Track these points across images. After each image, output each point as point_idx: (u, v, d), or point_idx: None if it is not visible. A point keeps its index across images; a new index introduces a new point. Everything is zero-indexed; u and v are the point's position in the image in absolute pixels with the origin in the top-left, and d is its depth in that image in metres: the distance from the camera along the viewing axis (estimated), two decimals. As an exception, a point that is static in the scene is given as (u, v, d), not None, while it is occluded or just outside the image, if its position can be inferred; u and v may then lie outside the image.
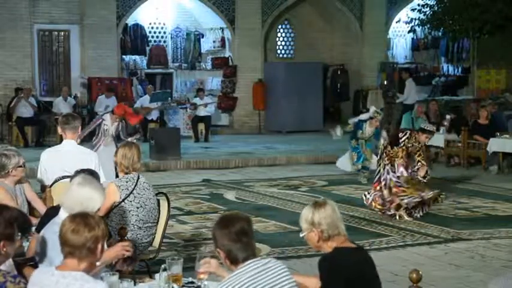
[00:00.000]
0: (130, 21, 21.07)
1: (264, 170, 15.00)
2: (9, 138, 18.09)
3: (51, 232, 4.26)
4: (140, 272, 6.05)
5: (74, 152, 7.13)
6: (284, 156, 16.15)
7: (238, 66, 21.68)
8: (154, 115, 19.17)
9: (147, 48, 21.92)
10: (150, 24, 22.06)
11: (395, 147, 9.95)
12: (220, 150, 17.10)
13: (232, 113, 21.89)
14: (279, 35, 23.78)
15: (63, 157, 7.06)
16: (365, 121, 12.75)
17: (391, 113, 19.90)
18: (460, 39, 22.52)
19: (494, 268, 7.49)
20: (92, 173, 5.50)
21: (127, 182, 6.21)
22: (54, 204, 6.02)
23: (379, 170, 10.10)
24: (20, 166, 6.18)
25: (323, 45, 23.79)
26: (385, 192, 9.87)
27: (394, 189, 9.83)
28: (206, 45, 22.67)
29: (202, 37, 22.61)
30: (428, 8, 19.56)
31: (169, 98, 20.30)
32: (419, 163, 9.89)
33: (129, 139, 10.33)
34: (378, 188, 10.01)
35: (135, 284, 4.48)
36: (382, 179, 9.97)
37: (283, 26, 23.77)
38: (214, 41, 22.47)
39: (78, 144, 7.46)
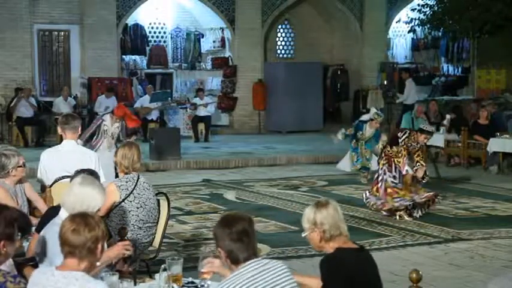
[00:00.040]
0: (130, 21, 21.07)
1: (264, 170, 15.00)
2: (9, 138, 18.09)
3: (52, 232, 4.25)
4: (140, 272, 6.05)
5: (74, 152, 7.13)
6: (284, 156, 16.15)
7: (238, 66, 21.68)
8: (154, 115, 19.17)
9: (147, 48, 21.93)
10: (150, 24, 22.06)
11: (394, 147, 9.95)
12: (220, 150, 17.10)
13: (232, 113, 21.90)
14: (279, 35, 23.79)
15: (63, 157, 7.06)
16: (365, 122, 12.75)
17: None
18: (460, 39, 22.53)
19: (494, 268, 7.49)
20: (92, 173, 5.50)
21: (127, 182, 6.21)
22: (54, 204, 6.02)
23: (378, 170, 10.16)
24: (20, 166, 6.17)
25: (323, 45, 23.81)
26: (381, 191, 9.91)
27: (388, 190, 9.87)
28: (206, 45, 22.68)
29: (202, 37, 22.61)
30: (428, 8, 19.56)
31: (169, 98, 20.30)
32: (418, 163, 9.90)
33: (127, 140, 10.31)
34: (375, 188, 10.06)
35: (135, 284, 4.48)
36: (379, 179, 10.00)
37: (283, 26, 23.78)
38: (214, 41, 22.47)
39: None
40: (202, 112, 19.30)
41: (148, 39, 21.96)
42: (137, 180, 6.22)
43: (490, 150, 14.34)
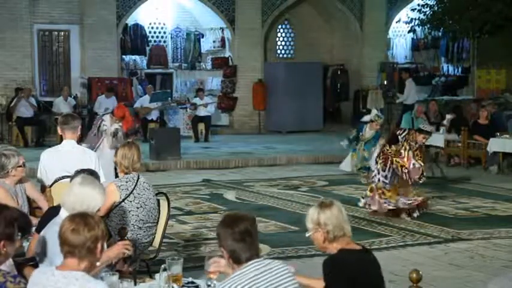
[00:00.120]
0: (130, 21, 21.07)
1: (264, 170, 15.00)
2: (9, 138, 18.09)
3: (52, 232, 4.25)
4: (140, 272, 6.05)
5: (74, 152, 7.12)
6: (284, 156, 16.15)
7: (238, 66, 21.68)
8: (154, 115, 19.17)
9: (147, 48, 21.93)
10: (150, 24, 22.06)
11: (393, 146, 9.97)
12: (220, 150, 17.11)
13: (232, 113, 21.89)
14: (279, 35, 23.80)
15: (63, 157, 7.06)
16: (366, 123, 12.76)
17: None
18: (460, 39, 22.53)
19: (494, 268, 7.49)
20: (92, 173, 5.50)
21: (127, 182, 6.21)
22: (54, 204, 6.02)
23: (374, 170, 10.24)
24: (20, 166, 6.17)
25: (323, 45, 23.81)
26: (375, 191, 9.96)
27: (378, 190, 9.91)
28: (206, 45, 22.68)
29: (202, 37, 22.62)
30: (428, 8, 19.56)
31: (169, 98, 20.30)
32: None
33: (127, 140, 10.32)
34: (369, 188, 10.13)
35: (135, 284, 4.48)
36: (375, 179, 10.05)
37: (283, 26, 23.79)
38: (214, 41, 22.47)
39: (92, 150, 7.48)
40: (202, 112, 19.30)
41: (148, 39, 21.96)
42: (137, 180, 6.22)
43: (490, 150, 14.34)
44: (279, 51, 23.85)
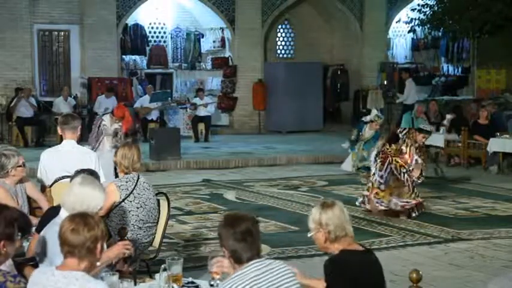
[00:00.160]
0: (130, 21, 21.07)
1: (264, 170, 15.00)
2: (9, 138, 18.09)
3: (52, 232, 4.25)
4: (140, 272, 6.05)
5: (74, 152, 7.12)
6: (284, 156, 16.15)
7: (238, 66, 21.68)
8: (154, 115, 19.17)
9: (147, 48, 21.93)
10: (150, 24, 22.06)
11: (393, 145, 9.98)
12: (220, 150, 17.10)
13: (232, 113, 21.90)
14: (279, 35, 23.80)
15: (63, 157, 7.06)
16: (366, 123, 12.77)
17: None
18: (460, 39, 22.53)
19: (494, 268, 7.49)
20: (92, 173, 5.50)
21: (127, 182, 6.21)
22: (55, 204, 6.02)
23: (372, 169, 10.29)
24: (20, 166, 6.17)
25: (323, 45, 23.81)
26: (371, 191, 10.00)
27: (374, 190, 9.94)
28: (206, 45, 22.68)
29: (202, 37, 22.62)
30: (428, 8, 19.56)
31: (169, 98, 20.30)
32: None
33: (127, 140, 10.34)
34: (367, 187, 10.15)
35: (135, 284, 4.48)
36: (373, 178, 10.09)
37: (283, 26, 23.79)
38: (214, 41, 22.47)
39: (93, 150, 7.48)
40: (202, 112, 19.30)
41: (148, 39, 21.96)
42: (137, 180, 6.22)
43: (490, 150, 14.34)
44: (279, 51, 23.86)
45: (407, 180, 9.83)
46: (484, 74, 23.10)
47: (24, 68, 18.99)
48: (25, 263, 4.59)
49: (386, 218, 9.88)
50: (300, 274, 4.29)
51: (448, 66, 24.72)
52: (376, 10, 23.00)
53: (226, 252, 3.79)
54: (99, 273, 4.06)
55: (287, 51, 23.97)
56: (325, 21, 23.90)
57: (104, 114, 11.71)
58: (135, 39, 21.47)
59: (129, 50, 21.43)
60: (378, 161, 10.05)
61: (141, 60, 21.94)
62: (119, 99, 17.80)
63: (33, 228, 4.92)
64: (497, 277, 3.70)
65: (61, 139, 7.54)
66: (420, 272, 4.19)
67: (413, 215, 9.90)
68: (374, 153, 10.56)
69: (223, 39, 22.17)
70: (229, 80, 21.71)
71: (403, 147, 9.90)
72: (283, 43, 23.93)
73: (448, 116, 15.99)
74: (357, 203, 10.29)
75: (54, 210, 4.97)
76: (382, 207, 9.92)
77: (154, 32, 22.25)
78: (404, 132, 10.02)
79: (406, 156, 9.85)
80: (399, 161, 9.85)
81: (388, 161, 9.89)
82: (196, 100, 19.62)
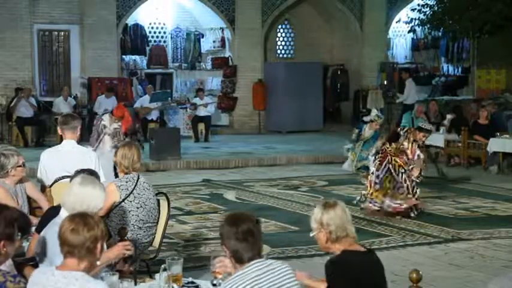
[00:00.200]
0: (130, 21, 21.07)
1: (264, 170, 15.00)
2: (9, 138, 18.10)
3: (52, 232, 4.25)
4: (140, 272, 6.05)
5: (74, 152, 7.12)
6: (284, 156, 16.15)
7: (238, 66, 21.68)
8: (154, 115, 19.16)
9: (147, 48, 21.93)
10: (150, 24, 22.07)
11: (393, 144, 9.98)
12: (220, 150, 17.10)
13: (232, 113, 21.90)
14: (279, 35, 23.80)
15: (63, 157, 7.06)
16: (366, 123, 12.78)
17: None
18: (460, 39, 22.53)
19: (494, 268, 7.49)
20: (92, 173, 5.50)
21: (127, 182, 6.21)
22: (55, 204, 6.02)
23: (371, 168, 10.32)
24: (20, 166, 6.17)
25: (323, 45, 23.81)
26: (368, 190, 10.03)
27: (370, 190, 9.97)
28: (206, 45, 22.68)
29: (202, 37, 22.62)
30: (428, 8, 19.56)
31: (169, 98, 20.30)
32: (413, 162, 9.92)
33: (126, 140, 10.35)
34: (365, 187, 10.23)
35: (135, 284, 4.49)
36: (371, 178, 10.13)
37: (283, 26, 23.79)
38: (214, 41, 22.47)
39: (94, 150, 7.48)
40: (202, 112, 19.31)
41: (148, 39, 21.96)
42: (137, 180, 6.22)
43: (490, 150, 14.34)
44: (279, 51, 23.86)
45: (405, 180, 9.83)
46: (484, 74, 23.11)
47: (24, 68, 18.99)
48: (25, 263, 4.59)
49: (386, 218, 9.88)
50: (308, 276, 4.30)
51: (448, 66, 24.73)
52: (376, 10, 23.00)
53: (227, 251, 3.80)
54: (99, 273, 4.06)
55: (287, 51, 23.97)
56: (325, 21, 23.90)
57: (103, 114, 11.72)
58: (135, 39, 21.47)
59: (129, 50, 21.43)
60: (377, 160, 10.07)
61: (141, 60, 21.95)
62: (119, 99, 17.80)
63: (33, 228, 4.92)
64: (497, 277, 3.70)
65: (61, 139, 7.54)
66: (420, 272, 4.19)
67: (412, 215, 9.90)
68: (373, 152, 10.57)
69: (223, 39, 22.17)
70: (229, 80, 21.71)
71: (405, 143, 9.91)
72: (283, 43, 23.93)
73: (448, 116, 15.99)
74: (354, 202, 10.30)
75: (54, 210, 4.97)
76: (375, 208, 9.94)
77: (154, 32, 22.25)
78: (405, 130, 10.06)
79: (408, 151, 9.86)
80: (398, 160, 9.85)
81: (387, 160, 9.90)
82: (196, 100, 19.62)
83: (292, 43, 23.95)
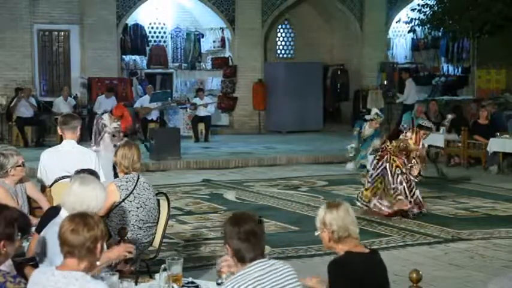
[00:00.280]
0: (130, 21, 21.07)
1: (264, 170, 15.00)
2: (9, 138, 18.10)
3: (52, 232, 4.25)
4: (140, 272, 6.05)
5: (74, 152, 7.12)
6: (284, 156, 16.15)
7: (238, 66, 21.68)
8: (154, 115, 19.17)
9: (147, 48, 21.93)
10: (150, 24, 22.07)
11: (394, 142, 9.99)
12: (220, 150, 17.10)
13: (232, 113, 21.90)
14: (279, 35, 23.80)
15: (63, 157, 7.05)
16: (367, 121, 12.77)
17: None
18: (460, 39, 22.53)
19: (494, 268, 7.49)
20: (92, 173, 5.50)
21: (127, 182, 6.20)
22: (55, 204, 6.02)
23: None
24: (19, 165, 6.16)
25: (323, 45, 23.81)
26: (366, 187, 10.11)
27: (362, 188, 10.04)
28: (206, 45, 22.68)
29: (202, 37, 22.62)
30: (428, 8, 19.56)
31: (169, 98, 20.30)
32: (413, 160, 9.92)
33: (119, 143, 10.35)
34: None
35: (136, 284, 4.49)
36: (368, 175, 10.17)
37: (283, 26, 23.79)
38: (214, 41, 22.47)
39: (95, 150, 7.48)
40: (202, 112, 19.31)
41: (148, 39, 21.96)
42: (137, 180, 6.21)
43: (490, 150, 14.34)
44: (279, 51, 23.86)
45: (401, 182, 9.81)
46: (484, 74, 23.11)
47: (24, 68, 18.99)
48: (25, 263, 4.59)
49: (387, 218, 9.88)
50: (320, 280, 4.29)
51: (448, 66, 24.72)
52: (376, 10, 23.00)
53: (229, 250, 3.80)
54: (99, 273, 4.06)
55: (287, 51, 23.97)
56: (325, 21, 23.89)
57: (103, 113, 11.73)
58: (135, 39, 21.48)
59: (129, 50, 21.43)
60: (376, 158, 10.08)
61: (141, 60, 21.95)
62: (118, 99, 17.80)
63: (33, 228, 4.92)
64: (497, 277, 3.69)
65: (61, 139, 7.54)
66: (420, 272, 4.19)
67: (410, 215, 9.89)
68: (370, 151, 10.58)
69: (223, 39, 22.17)
70: (229, 80, 21.71)
71: (408, 133, 9.92)
72: (283, 43, 23.93)
73: (449, 116, 15.99)
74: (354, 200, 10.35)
75: (54, 210, 4.97)
76: (363, 207, 9.97)
77: (154, 32, 22.25)
78: (406, 126, 10.13)
79: (412, 141, 9.85)
80: (396, 160, 9.85)
81: (385, 158, 9.89)
82: (196, 100, 19.62)
83: (292, 43, 23.95)
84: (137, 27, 21.51)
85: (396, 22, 23.76)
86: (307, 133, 20.55)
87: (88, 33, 19.66)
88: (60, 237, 3.64)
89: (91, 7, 19.62)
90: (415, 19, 20.15)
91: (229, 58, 21.98)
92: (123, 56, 21.17)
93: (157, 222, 6.37)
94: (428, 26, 20.21)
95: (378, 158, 10.03)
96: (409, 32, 22.24)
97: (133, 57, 21.77)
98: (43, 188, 7.03)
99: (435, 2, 19.45)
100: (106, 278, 4.04)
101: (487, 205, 11.03)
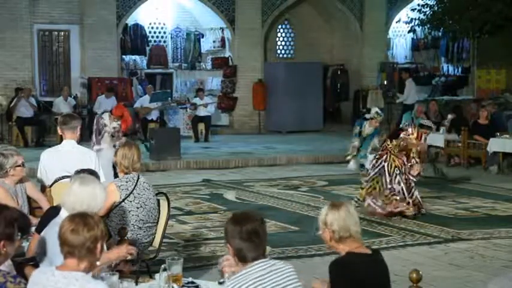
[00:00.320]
0: (130, 21, 21.07)
1: (264, 170, 15.00)
2: (9, 138, 18.10)
3: (52, 232, 4.25)
4: (140, 272, 6.05)
5: (74, 152, 7.12)
6: (284, 156, 16.15)
7: (238, 66, 21.68)
8: (154, 115, 19.16)
9: (147, 48, 21.93)
10: (150, 24, 22.07)
11: (394, 141, 9.99)
12: (220, 150, 17.10)
13: (232, 113, 21.90)
14: (279, 35, 23.80)
15: (63, 157, 7.05)
16: (367, 119, 12.78)
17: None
18: (460, 39, 22.54)
19: (494, 268, 7.49)
20: (91, 173, 5.50)
21: (127, 182, 6.20)
22: (55, 204, 6.02)
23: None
24: (19, 165, 6.16)
25: (323, 45, 23.81)
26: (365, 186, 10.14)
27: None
28: (206, 45, 22.68)
29: (202, 37, 22.62)
30: (428, 8, 19.57)
31: (169, 98, 20.30)
32: (413, 160, 9.92)
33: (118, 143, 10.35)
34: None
35: (136, 284, 4.49)
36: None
37: (283, 26, 23.79)
38: (214, 41, 22.47)
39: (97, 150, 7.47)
40: (202, 112, 19.31)
41: (148, 39, 21.96)
42: (137, 180, 6.21)
43: (490, 150, 14.34)
44: (279, 51, 23.86)
45: (399, 183, 9.80)
46: (484, 74, 23.11)
47: (24, 68, 18.99)
48: (25, 263, 4.59)
49: (387, 218, 9.88)
50: (323, 281, 4.29)
51: (448, 66, 24.73)
52: (376, 10, 23.00)
53: (230, 250, 3.80)
54: (99, 274, 4.06)
55: (287, 51, 23.97)
56: (325, 21, 23.89)
57: (103, 113, 11.73)
58: (135, 39, 21.48)
59: (129, 50, 21.43)
60: (375, 157, 10.08)
61: (141, 60, 21.95)
62: (118, 99, 17.80)
63: (33, 228, 4.92)
64: (497, 277, 3.69)
65: (61, 139, 7.54)
66: (420, 272, 4.19)
67: (410, 215, 9.88)
68: (369, 150, 10.59)
69: (223, 39, 22.17)
70: (229, 80, 21.72)
71: (409, 129, 9.92)
72: (283, 43, 23.93)
73: (449, 116, 15.99)
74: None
75: (54, 210, 4.97)
76: (357, 204, 9.97)
77: (154, 32, 22.25)
78: (407, 123, 10.16)
79: (413, 137, 9.85)
80: (396, 160, 9.85)
81: (384, 158, 9.89)
82: (196, 100, 19.62)
83: (292, 43, 23.95)
84: (137, 27, 21.51)
85: (396, 22, 23.76)
86: (307, 133, 20.55)
87: (88, 33, 19.66)
88: (60, 237, 3.64)
89: (91, 7, 19.62)
90: (415, 19, 20.15)
91: (229, 58, 21.98)
92: (123, 56, 21.17)
93: (157, 222, 6.37)
94: (428, 26, 20.21)
95: (377, 157, 10.03)
96: (409, 32, 22.24)
97: (133, 57, 21.77)
98: (43, 188, 7.03)
99: (435, 2, 19.45)
100: (106, 278, 4.04)
101: (487, 205, 11.03)
